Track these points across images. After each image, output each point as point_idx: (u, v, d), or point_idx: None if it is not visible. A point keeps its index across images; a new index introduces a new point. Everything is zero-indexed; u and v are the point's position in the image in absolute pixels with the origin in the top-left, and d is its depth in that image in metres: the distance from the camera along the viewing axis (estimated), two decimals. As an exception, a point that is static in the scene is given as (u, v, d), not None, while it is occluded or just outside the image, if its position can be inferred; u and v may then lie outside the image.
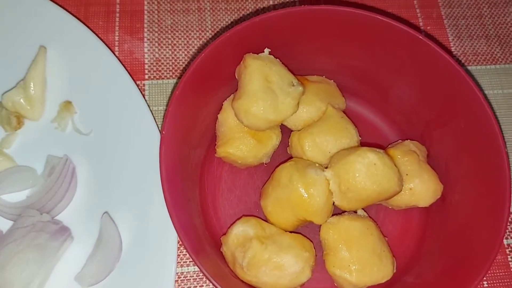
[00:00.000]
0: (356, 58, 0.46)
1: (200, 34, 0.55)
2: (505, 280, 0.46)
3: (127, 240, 0.44)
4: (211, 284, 0.39)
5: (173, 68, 0.53)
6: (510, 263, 0.47)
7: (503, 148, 0.39)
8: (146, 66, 0.53)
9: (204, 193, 0.46)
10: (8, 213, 0.44)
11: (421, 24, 0.57)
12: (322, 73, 0.48)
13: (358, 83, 0.48)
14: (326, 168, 0.41)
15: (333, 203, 0.41)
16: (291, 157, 0.45)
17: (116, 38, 0.54)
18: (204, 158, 0.47)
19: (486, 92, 0.54)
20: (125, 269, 0.43)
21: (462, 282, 0.37)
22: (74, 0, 0.55)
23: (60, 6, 0.51)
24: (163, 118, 0.39)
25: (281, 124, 0.45)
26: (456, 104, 0.42)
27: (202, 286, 0.45)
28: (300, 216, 0.41)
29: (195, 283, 0.45)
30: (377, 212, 0.46)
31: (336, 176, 0.40)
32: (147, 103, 0.48)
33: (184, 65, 0.53)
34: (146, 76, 0.52)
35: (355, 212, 0.43)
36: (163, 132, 0.38)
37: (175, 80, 0.52)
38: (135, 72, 0.52)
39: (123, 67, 0.49)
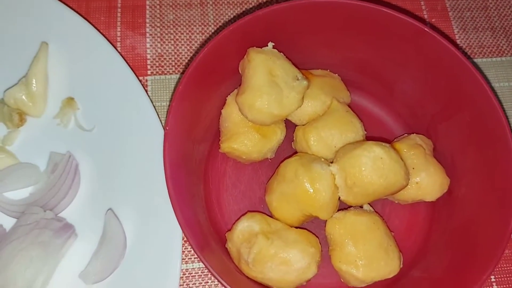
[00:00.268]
0: (361, 51, 0.45)
1: (202, 28, 0.54)
2: (512, 274, 0.46)
3: (132, 237, 0.43)
4: (216, 280, 0.39)
5: (175, 63, 0.52)
6: (517, 257, 0.47)
7: (511, 142, 0.38)
8: (148, 62, 0.52)
9: (208, 189, 0.46)
10: (11, 211, 0.44)
11: (425, 16, 0.57)
12: (327, 67, 0.48)
13: (363, 76, 0.48)
14: (332, 162, 0.41)
15: (339, 198, 0.41)
16: (296, 152, 0.45)
17: (118, 33, 0.53)
18: (208, 154, 0.47)
19: (492, 85, 0.53)
20: (130, 266, 0.42)
21: (470, 276, 0.37)
22: None
23: (61, 1, 0.50)
24: (167, 114, 0.38)
25: (286, 118, 0.44)
26: (462, 97, 0.42)
27: (207, 282, 0.45)
28: (305, 211, 0.40)
29: (200, 279, 0.45)
30: (383, 207, 0.46)
31: (342, 170, 0.39)
32: (150, 98, 0.48)
33: (186, 60, 0.53)
34: (149, 72, 0.52)
35: (361, 207, 0.42)
36: (167, 128, 0.37)
37: (177, 76, 0.52)
38: (138, 68, 0.52)
39: (125, 63, 0.48)
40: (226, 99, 0.44)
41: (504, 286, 0.46)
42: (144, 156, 0.46)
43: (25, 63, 0.48)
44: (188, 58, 0.53)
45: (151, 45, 0.53)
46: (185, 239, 0.45)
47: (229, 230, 0.42)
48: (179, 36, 0.54)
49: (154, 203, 0.44)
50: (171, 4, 0.55)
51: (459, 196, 0.43)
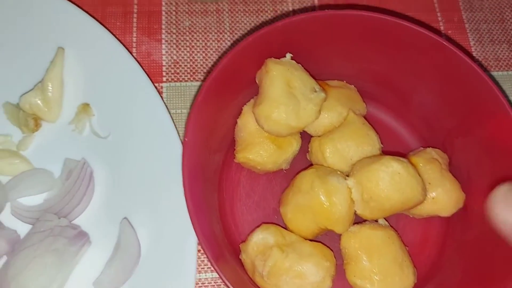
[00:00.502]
0: (377, 63, 0.45)
1: (218, 36, 0.54)
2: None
3: (146, 246, 0.43)
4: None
5: (191, 70, 0.52)
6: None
7: (530, 159, 0.38)
8: (164, 68, 0.52)
9: (222, 198, 0.46)
10: (26, 217, 0.43)
11: (442, 27, 0.56)
12: (342, 77, 0.48)
13: (378, 88, 0.48)
14: (348, 176, 0.41)
15: (355, 212, 0.40)
16: (311, 163, 0.45)
17: (134, 39, 0.53)
18: (222, 163, 0.46)
19: (509, 98, 0.53)
20: (144, 275, 0.42)
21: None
22: (91, 0, 0.54)
23: (77, 6, 0.50)
24: (185, 124, 0.38)
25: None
26: (480, 111, 0.41)
27: (220, 292, 0.44)
28: (321, 224, 0.40)
29: (213, 289, 0.44)
30: (397, 221, 0.45)
31: (358, 184, 0.39)
32: (166, 106, 0.48)
33: (202, 68, 0.52)
34: (164, 79, 0.52)
35: (376, 221, 0.42)
36: (186, 139, 0.37)
37: (193, 83, 0.52)
38: (153, 74, 0.51)
39: (142, 70, 0.48)
40: (242, 109, 0.44)
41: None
42: (159, 164, 0.45)
43: (41, 68, 0.48)
44: (204, 65, 0.53)
45: (166, 52, 0.53)
46: (199, 248, 0.45)
47: (243, 241, 0.41)
48: (195, 43, 0.54)
49: (168, 212, 0.44)
50: (187, 10, 0.55)
51: (474, 211, 0.43)
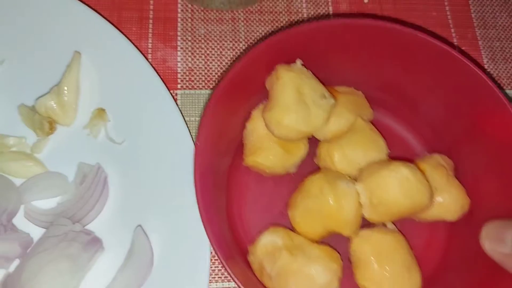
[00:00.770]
0: (386, 70, 0.46)
1: (233, 44, 0.55)
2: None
3: (159, 254, 0.43)
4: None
5: (205, 78, 0.53)
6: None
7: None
8: (179, 75, 0.52)
9: (230, 201, 0.47)
10: (40, 220, 0.44)
11: (456, 43, 0.57)
12: (350, 84, 0.48)
13: (386, 95, 0.49)
14: (355, 180, 0.41)
15: (362, 215, 0.41)
16: (317, 167, 0.45)
17: (150, 45, 0.53)
18: (230, 166, 0.47)
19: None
20: (156, 284, 0.42)
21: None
22: (107, 4, 0.54)
23: (94, 10, 0.51)
24: (198, 128, 0.39)
25: (309, 134, 0.45)
26: (486, 119, 0.42)
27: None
28: (329, 227, 0.41)
29: (224, 299, 0.45)
30: (402, 225, 0.46)
31: (367, 189, 0.40)
32: (181, 113, 0.48)
33: (216, 76, 0.53)
34: (179, 86, 0.52)
35: (385, 225, 0.43)
36: (197, 143, 0.38)
37: (207, 91, 0.52)
38: (168, 81, 0.52)
39: (158, 76, 0.49)
40: (251, 113, 0.45)
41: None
42: (174, 171, 0.45)
43: (57, 71, 0.48)
44: (218, 73, 0.53)
45: (182, 59, 0.53)
46: (211, 257, 0.45)
47: (251, 243, 0.42)
48: (210, 51, 0.54)
49: (182, 219, 0.44)
50: (202, 18, 0.56)
51: (479, 217, 0.43)
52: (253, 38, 0.55)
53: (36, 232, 0.43)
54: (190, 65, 0.53)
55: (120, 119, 0.48)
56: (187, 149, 0.46)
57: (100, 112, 0.48)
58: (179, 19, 0.55)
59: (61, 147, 0.47)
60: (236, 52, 0.54)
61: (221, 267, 0.46)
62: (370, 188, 0.40)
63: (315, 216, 0.41)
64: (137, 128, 0.48)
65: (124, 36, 0.50)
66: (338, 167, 0.43)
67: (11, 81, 0.49)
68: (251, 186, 0.47)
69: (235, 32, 0.55)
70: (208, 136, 0.39)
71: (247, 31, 0.55)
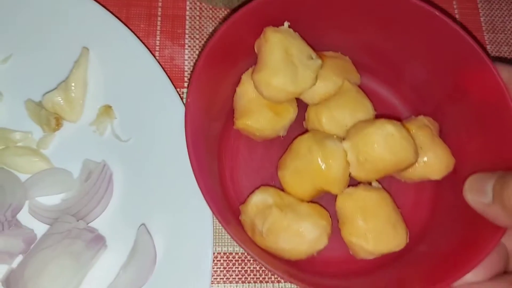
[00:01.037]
0: (371, 34, 0.47)
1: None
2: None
3: (161, 253, 0.43)
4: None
5: (212, 77, 0.52)
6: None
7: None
8: (185, 74, 0.52)
9: (222, 166, 0.47)
10: (44, 216, 0.43)
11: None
12: (337, 49, 0.49)
13: (372, 59, 0.49)
14: (343, 139, 0.42)
15: (350, 173, 0.42)
16: (307, 131, 0.46)
17: (157, 42, 0.53)
18: (221, 132, 0.48)
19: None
20: (158, 283, 0.42)
21: (475, 249, 0.39)
22: (116, 1, 0.53)
23: (103, 6, 0.50)
24: (187, 88, 0.39)
25: (297, 98, 0.46)
26: (470, 81, 0.43)
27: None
28: (317, 186, 0.42)
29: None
30: (389, 185, 0.47)
31: (354, 147, 0.41)
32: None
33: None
34: (185, 84, 0.52)
35: (370, 183, 0.44)
36: (188, 100, 0.39)
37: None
38: (175, 79, 0.51)
39: (165, 74, 0.48)
40: (241, 78, 0.46)
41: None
42: (180, 171, 0.45)
43: (65, 67, 0.48)
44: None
45: (189, 57, 0.53)
46: (213, 258, 0.45)
47: (243, 203, 0.43)
48: (217, 50, 0.53)
49: (186, 220, 0.44)
50: (210, 16, 0.55)
51: (464, 175, 0.44)
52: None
53: (40, 228, 0.43)
54: (197, 63, 0.52)
55: (127, 117, 0.48)
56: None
57: (107, 109, 0.48)
58: (187, 17, 0.55)
59: (67, 143, 0.47)
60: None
61: (223, 268, 0.47)
62: (356, 145, 0.41)
63: (304, 176, 0.42)
64: (143, 126, 0.47)
65: (132, 33, 0.49)
66: (326, 128, 0.44)
67: (19, 76, 0.49)
68: (242, 151, 0.48)
69: (242, 31, 0.55)
70: (198, 96, 0.39)
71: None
